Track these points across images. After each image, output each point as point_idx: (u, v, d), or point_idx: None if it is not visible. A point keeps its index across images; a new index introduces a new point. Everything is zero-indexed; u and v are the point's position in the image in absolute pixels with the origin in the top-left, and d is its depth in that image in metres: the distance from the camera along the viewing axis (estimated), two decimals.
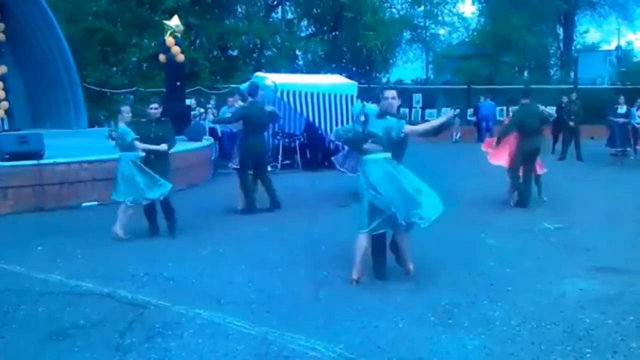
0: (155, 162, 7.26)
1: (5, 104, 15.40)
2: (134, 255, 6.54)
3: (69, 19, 22.31)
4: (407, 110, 19.66)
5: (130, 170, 7.03)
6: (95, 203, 9.29)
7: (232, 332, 4.41)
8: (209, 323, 4.59)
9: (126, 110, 7.20)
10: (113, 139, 7.35)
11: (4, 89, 15.48)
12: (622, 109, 14.83)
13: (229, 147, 11.47)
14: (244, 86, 12.02)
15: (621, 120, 14.70)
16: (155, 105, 7.40)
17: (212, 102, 17.59)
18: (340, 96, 13.24)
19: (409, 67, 31.03)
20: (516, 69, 30.12)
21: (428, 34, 29.65)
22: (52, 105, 17.15)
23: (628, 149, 15.01)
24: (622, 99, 15.19)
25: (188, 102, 17.07)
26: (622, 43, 34.90)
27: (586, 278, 5.64)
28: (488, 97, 22.88)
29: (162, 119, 7.42)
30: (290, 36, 27.46)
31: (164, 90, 16.43)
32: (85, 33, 23.78)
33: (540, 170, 9.48)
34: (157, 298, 5.14)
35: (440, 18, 29.30)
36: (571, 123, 15.67)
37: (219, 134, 14.81)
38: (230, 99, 12.20)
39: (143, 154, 7.11)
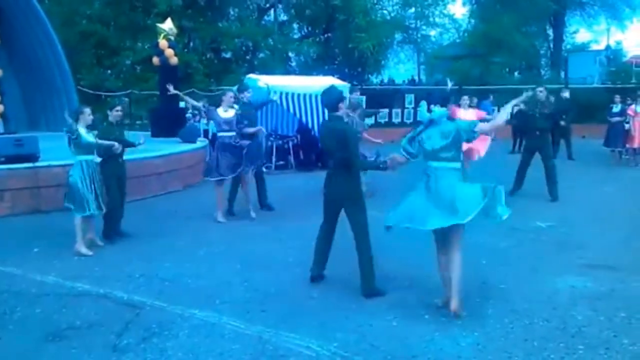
0: (121, 167, 7.30)
1: (0, 107, 15.35)
2: (129, 256, 6.56)
3: (63, 22, 22.28)
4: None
5: (81, 178, 6.71)
6: None
7: (227, 332, 4.45)
8: (205, 323, 4.63)
9: (87, 112, 6.86)
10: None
11: None
12: (616, 108, 14.80)
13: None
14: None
15: (615, 119, 14.74)
16: (118, 108, 7.41)
17: (206, 104, 17.55)
18: None
19: (400, 68, 31.17)
20: (507, 69, 30.22)
21: (419, 35, 29.74)
22: (47, 108, 17.07)
23: (621, 149, 14.98)
24: (617, 97, 15.15)
25: (182, 104, 17.06)
26: (612, 43, 35.08)
27: (578, 275, 5.71)
28: (489, 98, 22.86)
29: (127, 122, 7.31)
30: (283, 38, 27.48)
31: (158, 92, 16.45)
32: (79, 36, 23.79)
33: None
34: (153, 298, 5.17)
35: (431, 19, 29.42)
36: (562, 122, 15.69)
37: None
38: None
39: (98, 159, 7.03)
